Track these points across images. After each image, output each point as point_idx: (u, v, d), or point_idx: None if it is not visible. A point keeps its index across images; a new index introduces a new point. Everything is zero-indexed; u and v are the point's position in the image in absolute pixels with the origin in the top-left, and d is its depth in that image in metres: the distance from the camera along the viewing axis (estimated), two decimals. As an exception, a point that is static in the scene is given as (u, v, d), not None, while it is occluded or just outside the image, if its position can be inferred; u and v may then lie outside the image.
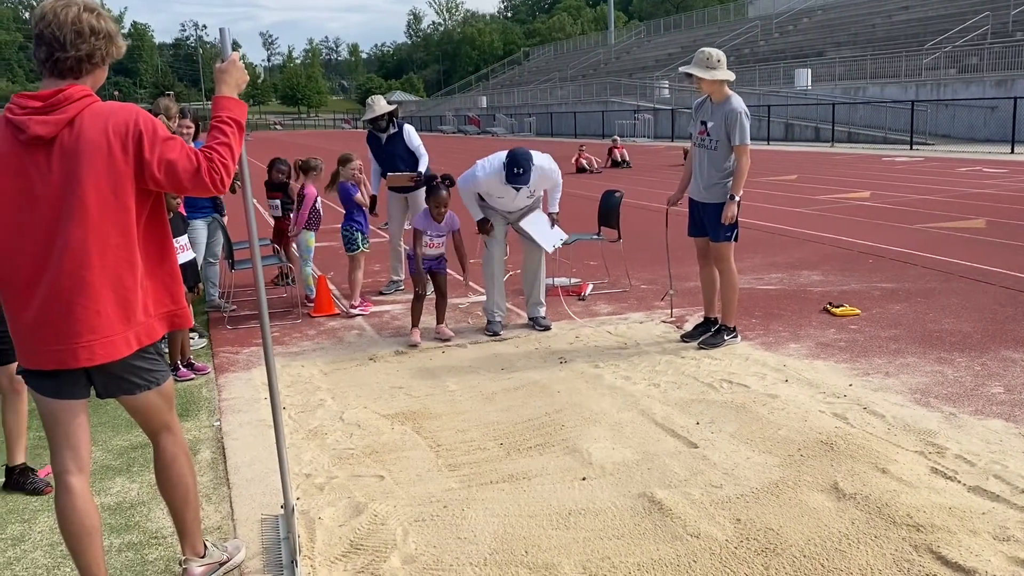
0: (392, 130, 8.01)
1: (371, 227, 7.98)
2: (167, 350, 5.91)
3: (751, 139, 5.83)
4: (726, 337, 6.07)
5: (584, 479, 3.95)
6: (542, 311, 6.84)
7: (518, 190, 6.36)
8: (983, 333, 6.16)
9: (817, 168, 22.15)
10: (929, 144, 28.87)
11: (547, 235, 6.59)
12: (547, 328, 6.71)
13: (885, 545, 3.25)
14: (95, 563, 2.86)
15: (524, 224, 6.61)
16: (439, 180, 6.57)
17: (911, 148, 28.12)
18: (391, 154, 8.03)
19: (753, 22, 58.50)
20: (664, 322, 6.86)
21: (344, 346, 6.49)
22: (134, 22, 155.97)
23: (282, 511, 3.51)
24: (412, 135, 8.09)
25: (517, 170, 6.17)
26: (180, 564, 3.16)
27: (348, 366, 5.97)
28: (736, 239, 5.97)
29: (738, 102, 5.79)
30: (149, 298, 2.79)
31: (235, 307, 7.73)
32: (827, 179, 18.95)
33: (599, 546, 3.34)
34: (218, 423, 4.93)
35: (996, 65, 31.76)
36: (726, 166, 5.87)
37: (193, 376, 5.80)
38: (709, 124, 5.88)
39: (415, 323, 6.51)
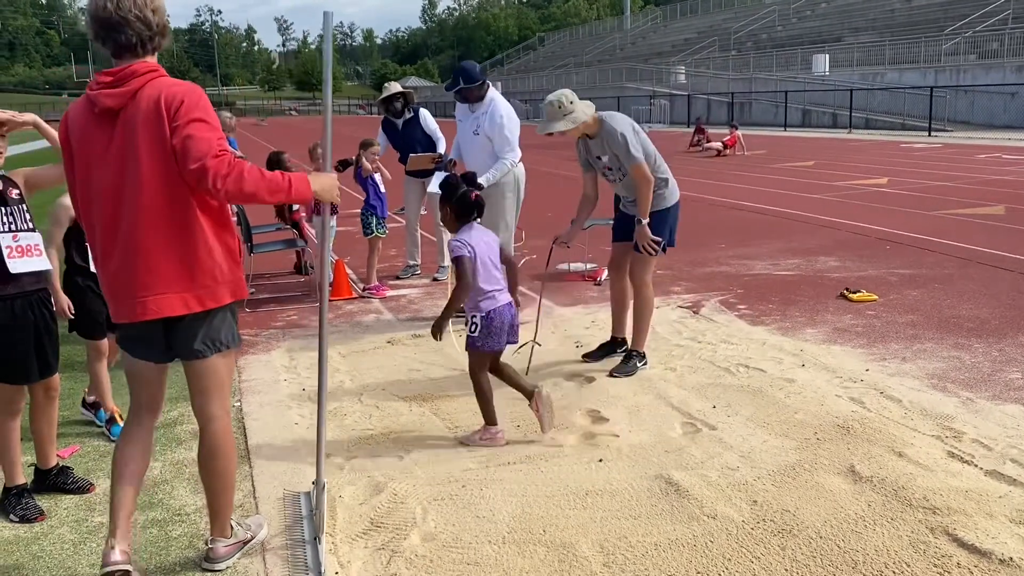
0: (408, 115, 8.03)
1: (388, 212, 8.02)
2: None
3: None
4: (639, 364, 5.30)
5: (601, 460, 3.98)
6: None
7: (471, 108, 6.45)
8: (1001, 319, 6.14)
9: (834, 154, 22.02)
10: (948, 130, 28.61)
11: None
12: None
13: (901, 527, 3.27)
14: (129, 502, 3.05)
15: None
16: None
17: (929, 134, 27.89)
18: (408, 139, 8.04)
19: (770, 7, 58.03)
20: (680, 307, 6.88)
21: (362, 329, 6.54)
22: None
23: (312, 487, 3.55)
24: (428, 119, 8.11)
25: (454, 77, 6.38)
26: (206, 543, 3.22)
27: (366, 349, 6.01)
28: (665, 251, 5.33)
29: (610, 124, 5.08)
30: (216, 264, 2.90)
31: (253, 290, 7.79)
32: (844, 165, 18.84)
33: (616, 526, 3.38)
34: (238, 403, 4.99)
35: (1017, 50, 31.40)
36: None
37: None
38: (604, 159, 5.22)
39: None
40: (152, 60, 2.87)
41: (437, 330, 4.18)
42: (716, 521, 3.37)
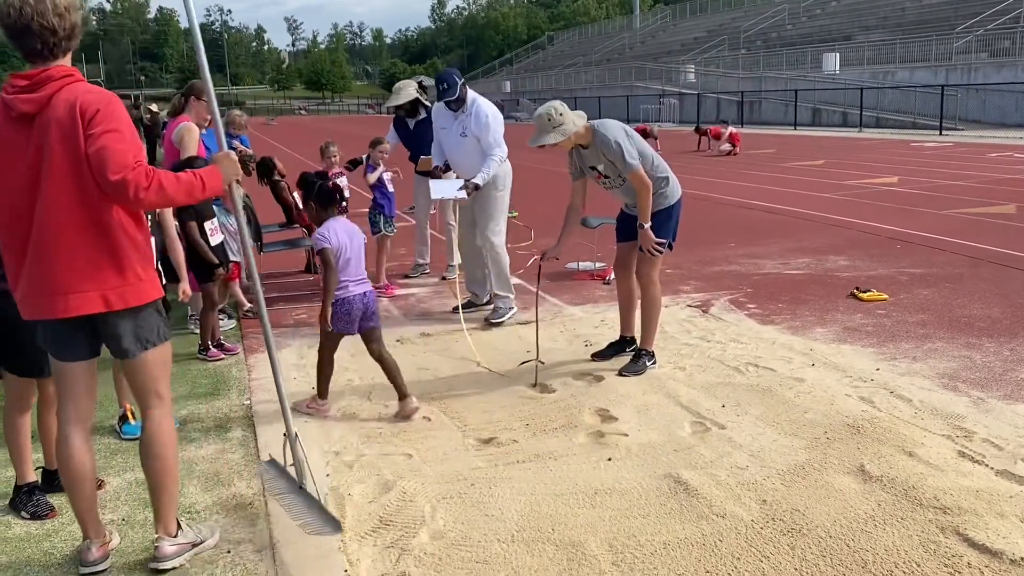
0: (420, 115, 8.02)
1: (396, 211, 8.02)
2: (197, 329, 6.01)
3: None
4: (648, 363, 5.30)
5: (610, 460, 3.98)
6: (500, 302, 6.59)
7: (455, 114, 6.45)
8: (1012, 318, 6.11)
9: (845, 153, 21.94)
10: (959, 129, 28.49)
11: (442, 187, 6.54)
12: (495, 324, 6.47)
13: (911, 527, 3.26)
14: (89, 508, 3.13)
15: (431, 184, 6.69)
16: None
17: (940, 133, 27.77)
18: (419, 139, 8.02)
19: (780, 5, 57.81)
20: (689, 306, 6.87)
21: (371, 328, 6.54)
22: (160, 7, 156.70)
23: (284, 438, 3.64)
24: (440, 120, 8.10)
25: (442, 86, 6.30)
26: (153, 543, 3.20)
27: (375, 347, 6.01)
28: (671, 248, 5.32)
29: (603, 132, 5.04)
30: (136, 262, 2.96)
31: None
32: (855, 164, 18.77)
33: (625, 525, 3.37)
34: (248, 402, 5.01)
35: (1029, 49, 31.25)
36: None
37: (223, 356, 5.88)
38: (599, 167, 5.18)
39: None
40: (66, 63, 2.89)
41: (322, 318, 4.50)
42: (725, 520, 3.37)
